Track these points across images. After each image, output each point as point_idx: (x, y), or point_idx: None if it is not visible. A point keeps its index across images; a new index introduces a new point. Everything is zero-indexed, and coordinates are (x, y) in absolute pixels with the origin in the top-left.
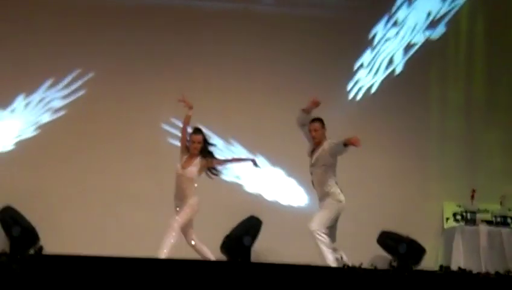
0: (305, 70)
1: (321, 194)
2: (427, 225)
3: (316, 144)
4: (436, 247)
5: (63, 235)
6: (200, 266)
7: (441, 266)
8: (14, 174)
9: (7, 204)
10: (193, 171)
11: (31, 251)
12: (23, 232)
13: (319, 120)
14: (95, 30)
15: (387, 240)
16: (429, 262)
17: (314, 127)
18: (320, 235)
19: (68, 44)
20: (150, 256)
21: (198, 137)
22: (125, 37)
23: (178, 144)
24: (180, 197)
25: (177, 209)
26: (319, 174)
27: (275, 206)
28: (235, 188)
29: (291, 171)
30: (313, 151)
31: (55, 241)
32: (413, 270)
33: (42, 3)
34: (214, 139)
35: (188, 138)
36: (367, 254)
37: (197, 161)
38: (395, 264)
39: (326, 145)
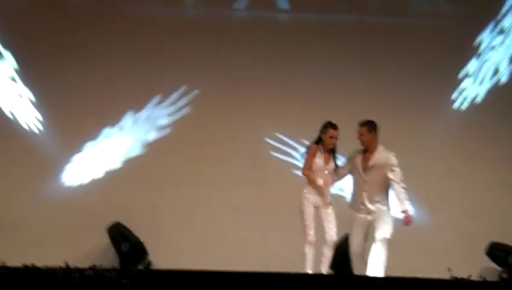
0: (410, 80)
1: (371, 201)
2: None
3: (365, 148)
4: None
5: (171, 250)
6: (304, 278)
7: None
8: (122, 191)
9: (116, 221)
10: (333, 165)
11: (140, 266)
12: (132, 248)
13: (367, 124)
14: (200, 46)
15: (497, 251)
16: None
17: (359, 130)
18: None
19: (175, 60)
20: (257, 270)
21: (337, 132)
22: (228, 52)
23: (280, 156)
24: (320, 193)
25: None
26: (373, 181)
27: None
28: (339, 201)
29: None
30: (365, 153)
31: (163, 256)
32: None
33: (148, 21)
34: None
35: (323, 132)
36: (476, 266)
37: (331, 158)
38: (505, 276)
39: (386, 160)
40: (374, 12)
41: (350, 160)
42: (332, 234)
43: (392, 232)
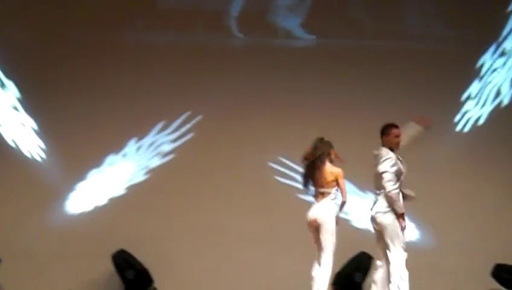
0: (412, 103)
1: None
2: None
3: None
4: None
5: (176, 277)
6: None
7: None
8: (126, 218)
9: (121, 248)
10: None
11: None
12: (137, 275)
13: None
14: (202, 72)
15: (502, 273)
16: None
17: (400, 132)
18: None
19: (178, 87)
20: None
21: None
22: (230, 78)
23: (284, 181)
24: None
25: None
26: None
27: None
28: (345, 224)
29: None
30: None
31: (168, 283)
32: None
33: (149, 49)
34: None
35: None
36: (481, 288)
37: None
38: None
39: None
40: (373, 36)
41: (397, 165)
42: None
43: None
